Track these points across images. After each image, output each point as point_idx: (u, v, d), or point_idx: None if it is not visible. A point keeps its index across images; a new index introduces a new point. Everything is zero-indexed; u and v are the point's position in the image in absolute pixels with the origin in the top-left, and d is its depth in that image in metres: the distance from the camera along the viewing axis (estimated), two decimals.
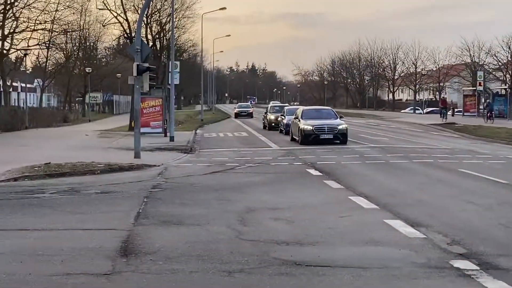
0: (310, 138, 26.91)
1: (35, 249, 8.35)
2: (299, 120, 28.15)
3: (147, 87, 21.87)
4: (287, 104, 62.29)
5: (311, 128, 27.06)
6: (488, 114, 47.89)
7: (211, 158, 21.91)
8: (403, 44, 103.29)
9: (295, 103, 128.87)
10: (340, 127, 27.29)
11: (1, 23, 39.53)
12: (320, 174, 16.83)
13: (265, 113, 44.21)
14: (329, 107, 35.65)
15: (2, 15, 37.92)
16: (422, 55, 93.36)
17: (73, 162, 18.71)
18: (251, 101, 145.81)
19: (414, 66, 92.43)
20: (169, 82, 34.03)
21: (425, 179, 15.96)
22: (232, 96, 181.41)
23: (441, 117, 52.56)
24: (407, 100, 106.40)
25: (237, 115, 66.57)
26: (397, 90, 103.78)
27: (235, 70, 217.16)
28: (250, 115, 66.09)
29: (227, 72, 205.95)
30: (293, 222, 10.19)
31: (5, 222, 10.32)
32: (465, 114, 62.57)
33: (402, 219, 10.19)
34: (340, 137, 27.05)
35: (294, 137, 29.24)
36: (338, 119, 28.56)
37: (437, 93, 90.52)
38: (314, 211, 11.30)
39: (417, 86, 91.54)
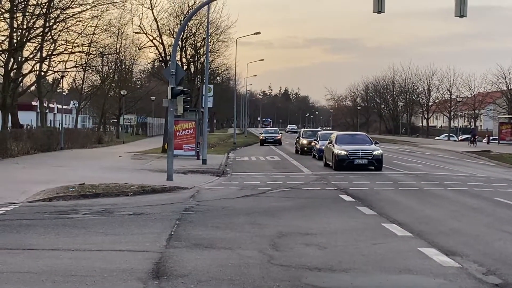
0: (344, 164, 26.59)
1: (68, 269, 8.40)
2: (333, 145, 27.84)
3: (181, 109, 22.02)
4: (319, 129, 61.57)
5: (345, 153, 26.74)
6: None
7: (243, 182, 21.92)
8: (438, 70, 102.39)
9: (328, 128, 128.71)
10: (375, 152, 27.00)
11: (39, 46, 40.27)
12: (353, 200, 16.71)
13: (298, 137, 44.08)
14: (363, 133, 35.16)
15: (41, 37, 38.64)
16: (457, 81, 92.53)
17: (107, 183, 18.87)
18: (265, 124, 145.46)
19: (449, 93, 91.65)
20: (203, 105, 34.23)
21: (460, 207, 15.73)
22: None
23: (469, 144, 55.56)
24: (441, 126, 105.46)
25: (263, 142, 58.35)
26: (431, 117, 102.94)
27: (268, 94, 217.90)
28: (278, 142, 57.95)
29: (260, 96, 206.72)
30: (326, 248, 10.10)
31: (38, 241, 10.41)
32: (501, 142, 61.72)
33: (437, 247, 10.04)
34: (375, 163, 26.72)
35: (327, 162, 28.89)
36: (373, 144, 28.29)
37: (472, 120, 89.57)
38: (346, 237, 11.19)
39: (452, 113, 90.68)
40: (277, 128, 75.07)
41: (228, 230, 11.66)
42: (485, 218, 13.86)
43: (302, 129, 51.04)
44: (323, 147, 32.28)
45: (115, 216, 13.43)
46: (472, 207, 15.63)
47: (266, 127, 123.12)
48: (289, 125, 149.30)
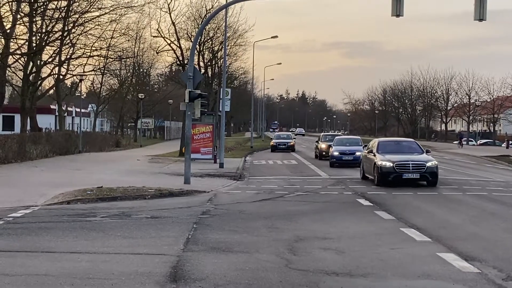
0: (389, 178, 21.56)
1: (86, 272, 8.44)
2: (374, 155, 22.86)
3: (199, 113, 22.08)
4: (339, 133, 60.63)
5: (391, 165, 21.60)
6: None
7: (260, 186, 21.90)
8: (457, 74, 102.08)
9: (345, 132, 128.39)
10: (428, 164, 21.80)
11: (58, 49, 40.58)
12: (371, 204, 16.64)
13: (317, 141, 43.19)
14: (411, 139, 28.26)
15: (59, 41, 38.94)
16: (476, 85, 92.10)
17: (125, 187, 18.94)
18: (272, 128, 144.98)
19: (467, 97, 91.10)
20: (220, 109, 34.32)
21: (479, 212, 15.60)
22: (281, 123, 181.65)
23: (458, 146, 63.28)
24: (460, 131, 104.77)
25: (274, 148, 52.12)
26: (450, 121, 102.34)
27: (285, 98, 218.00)
28: (290, 148, 51.79)
29: (277, 100, 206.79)
30: (343, 252, 10.06)
31: (57, 244, 10.47)
32: None
33: (456, 252, 9.96)
34: (429, 177, 21.68)
35: (366, 175, 23.89)
36: (425, 153, 23.20)
37: (491, 124, 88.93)
38: (364, 242, 11.14)
39: (471, 117, 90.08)
40: (290, 133, 67.94)
41: (246, 234, 11.65)
42: (504, 223, 13.74)
43: (322, 133, 50.41)
44: (336, 153, 32.81)
45: (132, 220, 13.47)
46: (491, 212, 15.50)
47: (274, 131, 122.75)
48: (297, 129, 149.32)
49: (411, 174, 21.59)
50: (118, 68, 61.47)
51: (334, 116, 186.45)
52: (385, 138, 30.09)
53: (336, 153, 32.98)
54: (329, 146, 37.18)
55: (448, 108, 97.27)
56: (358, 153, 31.43)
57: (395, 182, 21.41)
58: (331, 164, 32.77)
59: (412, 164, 21.74)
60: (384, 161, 21.91)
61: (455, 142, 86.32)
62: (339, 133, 78.59)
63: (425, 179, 21.72)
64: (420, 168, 21.68)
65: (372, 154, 23.22)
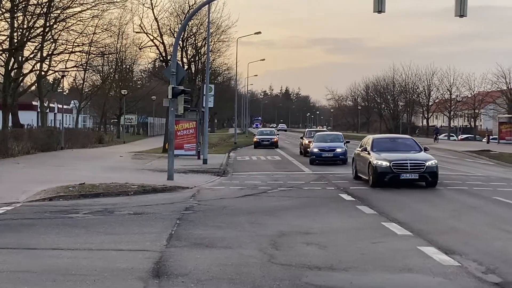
0: (386, 178, 19.96)
1: (68, 268, 8.41)
2: (369, 153, 21.26)
3: (182, 109, 22.03)
4: (324, 129, 60.00)
5: (388, 164, 19.98)
6: None
7: (244, 181, 21.93)
8: (438, 70, 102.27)
9: (329, 128, 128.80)
10: (428, 163, 20.12)
11: (40, 45, 40.27)
12: (353, 199, 16.73)
13: (302, 137, 42.50)
14: (408, 136, 27.03)
15: (41, 37, 38.64)
16: (457, 81, 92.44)
17: (107, 183, 18.89)
18: (256, 124, 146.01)
19: (449, 93, 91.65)
20: (203, 105, 34.26)
21: (460, 206, 15.73)
22: (265, 120, 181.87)
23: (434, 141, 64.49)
24: (441, 126, 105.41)
25: (257, 145, 51.27)
26: (431, 116, 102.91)
27: (268, 94, 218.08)
28: (274, 144, 51.24)
29: (260, 96, 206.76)
30: (326, 247, 10.11)
31: (39, 241, 10.42)
32: (501, 141, 61.73)
33: (436, 246, 10.05)
34: (429, 178, 20.02)
35: (359, 175, 22.27)
36: (423, 151, 21.59)
37: (472, 119, 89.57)
38: (346, 236, 11.20)
39: (452, 113, 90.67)
40: (273, 129, 66.12)
41: (229, 230, 11.67)
42: (485, 217, 13.87)
43: (307, 129, 49.84)
44: (316, 150, 31.82)
45: (115, 216, 13.45)
46: (471, 206, 15.64)
47: (257, 127, 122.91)
48: (279, 125, 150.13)
49: (410, 174, 19.93)
50: (101, 64, 61.20)
51: (317, 112, 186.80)
52: (380, 135, 27.41)
53: (315, 150, 32.06)
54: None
55: (430, 103, 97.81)
56: (338, 150, 31.33)
57: (392, 183, 19.82)
58: (311, 161, 31.88)
59: (410, 163, 20.06)
60: (380, 160, 20.24)
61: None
62: (324, 129, 78.74)
63: (425, 180, 20.07)
64: (419, 167, 19.98)
65: (366, 152, 21.53)
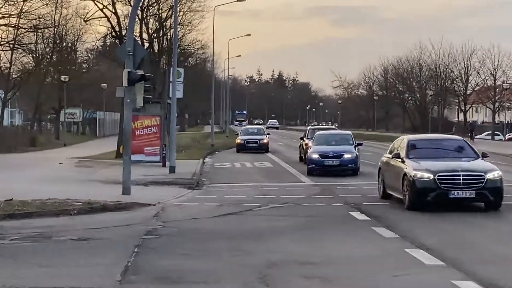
0: (429, 197, 18.18)
1: None
2: (403, 161, 19.66)
3: (141, 101, 21.99)
4: (333, 126, 59.11)
5: (431, 177, 18.17)
6: None
7: (224, 196, 21.96)
8: (478, 49, 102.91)
9: (335, 124, 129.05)
10: (489, 175, 18.35)
11: None
12: (367, 218, 16.77)
13: (302, 138, 40.73)
14: (459, 137, 26.09)
15: None
16: (504, 63, 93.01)
17: (43, 199, 18.83)
18: (238, 120, 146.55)
19: (492, 78, 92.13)
20: (170, 96, 34.26)
21: (509, 228, 15.81)
22: (252, 114, 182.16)
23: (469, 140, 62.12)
24: (483, 122, 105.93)
25: (242, 148, 50.14)
26: (470, 109, 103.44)
27: (256, 80, 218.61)
28: (263, 147, 49.79)
29: (246, 83, 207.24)
30: (331, 281, 10.14)
31: None
32: None
33: (476, 280, 10.09)
34: (490, 196, 18.23)
35: (389, 192, 20.73)
36: (480, 158, 19.89)
37: None
38: (359, 267, 11.24)
39: (497, 104, 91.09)
40: (262, 127, 64.57)
41: (203, 259, 11.68)
42: None
43: (309, 127, 48.72)
44: (315, 156, 30.33)
45: (53, 242, 13.43)
46: None
47: (241, 123, 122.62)
48: (269, 121, 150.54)
49: (462, 191, 18.09)
50: (34, 42, 60.87)
51: (321, 104, 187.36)
52: (418, 136, 26.16)
53: (315, 156, 30.33)
54: None
55: (468, 92, 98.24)
56: (347, 156, 30.16)
57: (438, 204, 18.36)
58: (308, 172, 30.25)
59: (463, 176, 18.24)
60: (420, 171, 18.56)
61: (478, 136, 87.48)
62: (331, 126, 78.72)
63: (484, 200, 18.44)
64: (476, 182, 18.19)
65: (399, 159, 19.98)
